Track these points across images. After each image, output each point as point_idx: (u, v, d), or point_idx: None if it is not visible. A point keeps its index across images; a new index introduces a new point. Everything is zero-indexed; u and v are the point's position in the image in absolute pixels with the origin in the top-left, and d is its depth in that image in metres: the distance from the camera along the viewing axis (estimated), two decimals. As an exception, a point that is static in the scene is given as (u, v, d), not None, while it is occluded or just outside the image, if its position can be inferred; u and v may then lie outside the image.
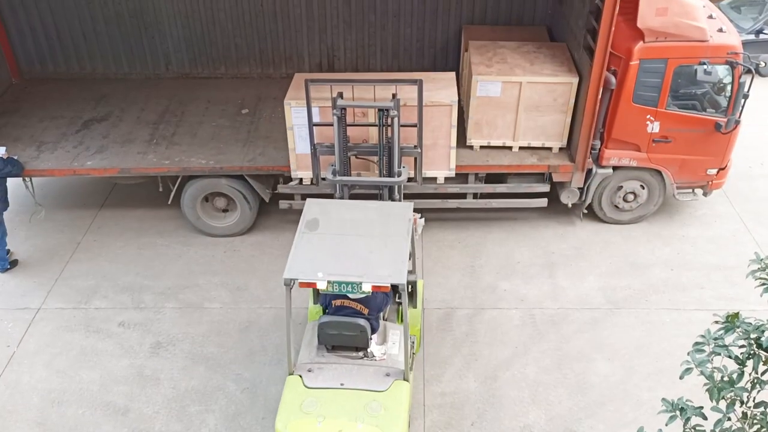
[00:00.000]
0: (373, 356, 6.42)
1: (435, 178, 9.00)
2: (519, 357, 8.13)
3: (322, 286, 5.84)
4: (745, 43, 9.37)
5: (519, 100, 9.11)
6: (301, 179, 9.18)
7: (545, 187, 9.67)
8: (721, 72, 8.89)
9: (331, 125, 7.73)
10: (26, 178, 9.55)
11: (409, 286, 6.73)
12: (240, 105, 10.79)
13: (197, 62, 11.56)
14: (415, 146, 7.97)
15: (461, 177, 9.49)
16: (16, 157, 9.23)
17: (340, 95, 7.49)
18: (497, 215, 10.24)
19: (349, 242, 6.27)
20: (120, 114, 10.56)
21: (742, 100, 8.86)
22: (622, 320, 8.62)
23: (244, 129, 10.16)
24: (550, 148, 9.55)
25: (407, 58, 11.49)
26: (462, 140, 9.51)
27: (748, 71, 8.70)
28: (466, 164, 9.39)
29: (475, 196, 9.82)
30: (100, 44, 11.35)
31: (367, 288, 5.82)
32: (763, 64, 10.40)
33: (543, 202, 9.79)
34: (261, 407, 7.54)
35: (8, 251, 9.37)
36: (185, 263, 9.52)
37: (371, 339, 6.42)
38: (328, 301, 6.62)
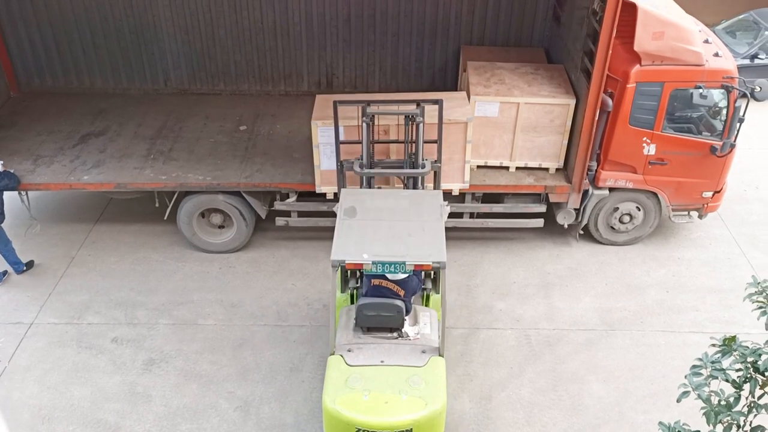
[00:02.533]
0: (407, 336, 6.72)
1: (450, 191, 9.25)
2: (514, 378, 8.09)
3: (367, 266, 6.23)
4: (740, 68, 9.47)
5: (516, 120, 9.16)
6: (325, 194, 9.31)
7: (542, 208, 9.70)
8: (717, 96, 8.98)
9: (356, 143, 8.25)
10: (22, 192, 9.53)
11: (432, 272, 7.29)
12: (238, 121, 10.81)
13: (196, 78, 11.60)
14: (435, 161, 8.24)
15: (458, 197, 9.51)
16: (12, 171, 9.22)
17: (368, 104, 8.03)
18: (493, 235, 10.25)
19: (387, 226, 6.69)
20: (117, 129, 10.56)
21: (738, 124, 8.93)
22: (618, 342, 8.60)
23: (241, 146, 10.18)
24: (546, 169, 9.59)
25: (406, 78, 11.56)
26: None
27: (744, 95, 8.77)
28: (463, 184, 9.43)
29: (471, 215, 9.83)
30: (99, 59, 11.39)
31: (410, 267, 6.21)
32: (759, 89, 10.50)
33: (539, 222, 9.80)
34: (253, 426, 7.47)
35: (5, 272, 9.36)
36: (180, 279, 9.47)
37: (405, 320, 6.76)
38: (367, 280, 6.96)
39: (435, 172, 8.36)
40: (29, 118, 10.82)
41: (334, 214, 8.99)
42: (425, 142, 8.04)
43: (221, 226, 9.84)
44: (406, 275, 6.63)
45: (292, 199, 9.53)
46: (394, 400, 6.14)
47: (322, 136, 8.69)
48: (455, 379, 7.99)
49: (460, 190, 9.28)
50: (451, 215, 9.63)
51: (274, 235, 10.19)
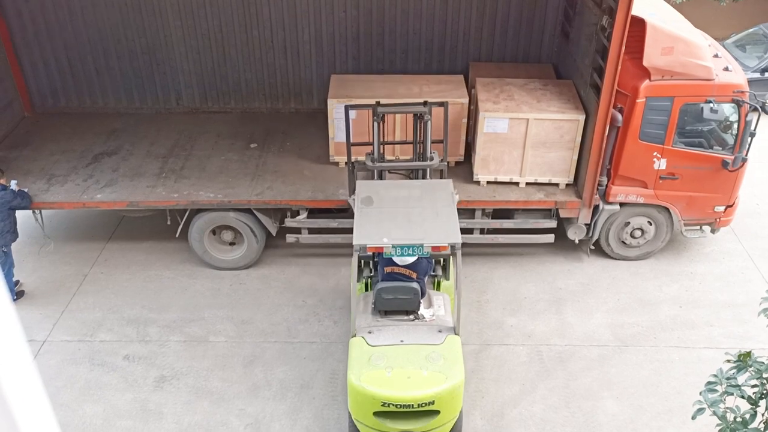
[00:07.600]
0: (423, 318, 7.08)
1: (448, 163, 9.60)
2: (526, 394, 8.03)
3: (387, 249, 6.62)
4: (750, 82, 9.45)
5: (526, 136, 9.17)
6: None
7: (552, 223, 9.68)
8: (728, 110, 8.95)
9: (367, 144, 8.77)
10: (36, 211, 9.61)
11: (442, 260, 7.77)
12: (249, 139, 10.89)
13: (207, 97, 11.71)
14: (442, 160, 8.69)
15: (468, 212, 9.51)
16: (26, 190, 9.31)
17: (378, 103, 8.51)
18: (504, 251, 10.22)
19: (403, 213, 7.13)
20: (130, 148, 10.65)
21: (749, 138, 8.89)
22: (631, 358, 8.53)
23: (252, 163, 10.24)
24: (557, 184, 9.58)
25: (414, 95, 11.62)
26: (469, 176, 9.60)
27: (755, 109, 8.75)
28: (473, 199, 9.43)
29: (481, 231, 9.83)
30: (113, 79, 11.52)
31: (428, 249, 6.63)
32: (769, 103, 10.46)
33: (550, 237, 9.78)
34: (265, 444, 7.46)
35: (17, 282, 9.40)
36: (191, 296, 9.50)
37: (420, 302, 7.10)
38: (381, 269, 7.30)
39: (441, 171, 8.79)
40: (43, 138, 10.93)
41: (344, 231, 9.19)
42: (435, 141, 8.57)
43: (232, 243, 9.88)
44: (415, 257, 6.97)
45: (303, 216, 9.57)
46: (416, 375, 6.48)
47: (337, 111, 9.40)
48: (466, 395, 7.93)
49: (455, 162, 9.94)
50: (462, 231, 9.66)
51: (284, 252, 10.22)
